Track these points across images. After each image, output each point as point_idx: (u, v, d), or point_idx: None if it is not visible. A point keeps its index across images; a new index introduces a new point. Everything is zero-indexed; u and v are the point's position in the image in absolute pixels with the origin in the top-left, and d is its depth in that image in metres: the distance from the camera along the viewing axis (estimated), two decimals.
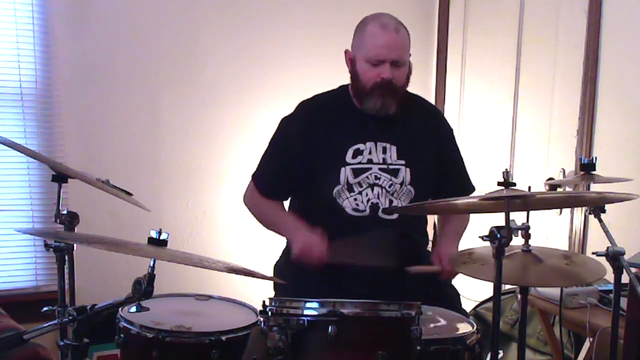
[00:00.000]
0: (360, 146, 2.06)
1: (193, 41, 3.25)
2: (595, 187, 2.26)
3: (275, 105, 3.20)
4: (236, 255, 3.29)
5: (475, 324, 1.70)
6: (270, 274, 2.18)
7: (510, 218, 1.53)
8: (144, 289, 1.26)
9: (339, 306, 1.41)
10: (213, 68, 3.29)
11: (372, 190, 2.05)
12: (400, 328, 1.44)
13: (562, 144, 2.94)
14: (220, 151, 3.33)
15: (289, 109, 2.19)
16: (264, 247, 2.39)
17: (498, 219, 1.53)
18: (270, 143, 2.20)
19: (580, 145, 2.83)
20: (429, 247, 2.30)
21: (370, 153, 2.06)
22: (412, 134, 2.12)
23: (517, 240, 1.66)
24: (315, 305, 1.42)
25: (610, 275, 1.78)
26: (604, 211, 1.84)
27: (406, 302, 1.45)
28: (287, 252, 2.22)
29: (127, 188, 1.89)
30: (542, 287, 2.36)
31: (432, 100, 3.69)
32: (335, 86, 2.21)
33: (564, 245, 2.87)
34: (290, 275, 1.95)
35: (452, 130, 2.29)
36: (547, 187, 2.59)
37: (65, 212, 1.75)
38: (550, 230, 2.96)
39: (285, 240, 2.23)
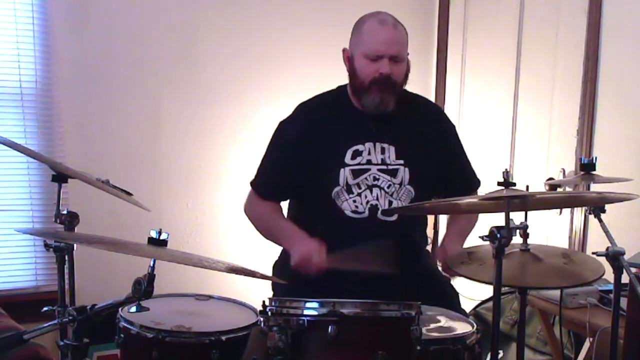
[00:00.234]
0: (360, 147, 2.06)
1: (193, 41, 3.25)
2: (595, 187, 2.26)
3: (275, 105, 3.21)
4: (236, 255, 3.29)
5: (475, 324, 1.70)
6: (270, 274, 2.18)
7: (510, 218, 1.53)
8: (144, 289, 1.26)
9: (339, 306, 1.41)
10: (213, 68, 3.29)
11: (371, 191, 2.05)
12: (400, 328, 1.44)
13: (562, 144, 2.94)
14: (220, 151, 3.33)
15: (289, 108, 2.19)
16: (264, 247, 2.38)
17: (498, 219, 1.53)
18: (268, 147, 2.18)
19: (580, 145, 2.83)
20: (429, 247, 2.30)
21: (369, 154, 2.06)
22: (412, 133, 2.11)
23: (516, 239, 1.66)
24: (315, 305, 1.42)
25: (610, 275, 1.78)
26: (604, 211, 1.84)
27: (406, 302, 1.45)
28: (285, 252, 2.22)
29: (127, 188, 1.89)
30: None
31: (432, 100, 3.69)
32: (334, 86, 2.21)
33: (564, 245, 2.87)
34: (290, 275, 1.95)
35: (454, 127, 2.28)
36: (547, 187, 2.59)
37: (65, 212, 1.75)
38: (550, 230, 2.96)
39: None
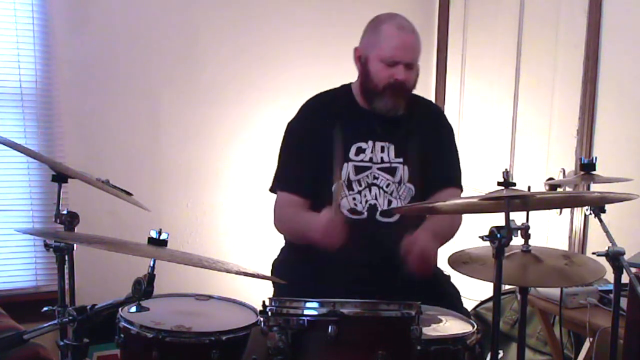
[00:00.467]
0: (362, 145, 2.07)
1: (193, 41, 3.25)
2: (595, 187, 2.26)
3: (275, 105, 3.21)
4: (236, 255, 3.29)
5: (475, 324, 1.70)
6: (269, 273, 2.18)
7: (510, 218, 1.53)
8: (144, 289, 1.26)
9: (339, 306, 1.40)
10: (213, 68, 3.29)
11: (370, 190, 2.05)
12: (400, 328, 1.44)
13: (562, 144, 2.95)
14: (220, 151, 3.33)
15: (288, 108, 2.19)
16: (264, 247, 2.39)
17: (498, 219, 1.53)
18: (282, 149, 2.16)
19: (580, 145, 2.83)
20: None
21: (371, 152, 2.07)
22: (412, 132, 2.12)
23: (517, 241, 1.66)
24: (315, 305, 1.42)
25: (610, 275, 1.78)
26: (604, 211, 1.84)
27: (406, 302, 1.45)
28: (285, 250, 2.23)
29: (127, 188, 1.89)
30: (542, 288, 2.37)
31: (432, 100, 3.69)
32: (334, 86, 2.21)
33: (564, 245, 2.87)
34: (289, 274, 1.95)
35: (452, 129, 2.29)
36: (547, 187, 2.59)
37: (65, 212, 1.75)
38: (550, 230, 2.96)
39: (284, 240, 2.22)
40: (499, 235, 1.48)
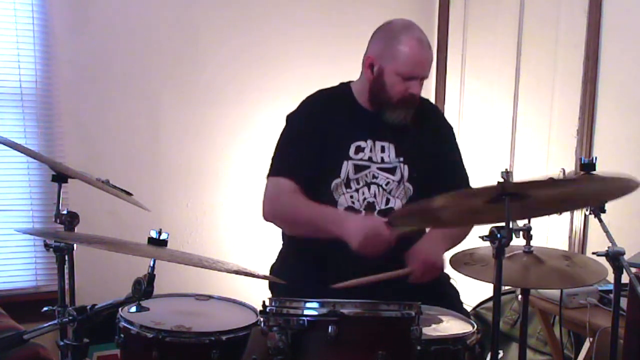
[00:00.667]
0: (362, 143, 2.06)
1: (193, 41, 3.25)
2: None
3: (275, 105, 3.21)
4: (236, 255, 3.29)
5: (475, 324, 1.70)
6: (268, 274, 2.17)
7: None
8: (144, 289, 1.27)
9: (339, 306, 1.40)
10: (213, 68, 3.29)
11: (369, 189, 2.05)
12: (400, 328, 1.44)
13: (562, 144, 2.95)
14: (220, 151, 3.33)
15: (288, 109, 2.19)
16: (264, 247, 2.39)
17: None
18: (280, 140, 2.14)
19: (580, 145, 2.83)
20: None
21: (370, 151, 2.06)
22: (412, 132, 2.12)
23: (519, 241, 1.66)
24: (315, 305, 1.42)
25: (610, 275, 1.78)
26: (604, 211, 1.84)
27: (406, 302, 1.45)
28: (283, 254, 2.21)
29: (127, 188, 1.89)
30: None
31: (432, 100, 3.69)
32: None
33: (564, 245, 2.87)
34: (288, 276, 1.94)
35: (451, 128, 2.28)
36: None
37: (65, 212, 1.76)
38: (550, 231, 2.96)
39: (282, 241, 2.21)
40: (499, 235, 1.48)
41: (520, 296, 1.85)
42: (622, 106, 2.69)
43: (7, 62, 2.90)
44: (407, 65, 1.99)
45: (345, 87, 2.17)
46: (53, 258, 1.80)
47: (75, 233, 1.75)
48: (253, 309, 1.82)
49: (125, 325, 1.66)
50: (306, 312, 1.41)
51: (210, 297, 1.94)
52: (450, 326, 1.70)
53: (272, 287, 2.11)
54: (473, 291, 2.54)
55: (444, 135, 2.23)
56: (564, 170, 2.90)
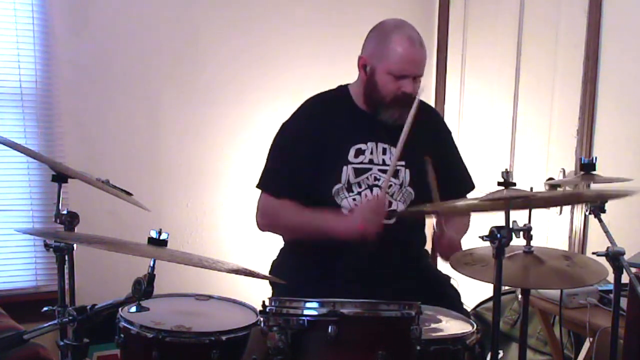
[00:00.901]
0: (362, 146, 2.06)
1: (193, 41, 3.25)
2: (595, 187, 2.26)
3: (275, 105, 3.21)
4: (236, 255, 3.29)
5: (475, 324, 1.70)
6: (269, 274, 2.17)
7: (514, 220, 1.53)
8: (144, 289, 1.26)
9: (339, 306, 1.40)
10: (213, 68, 3.29)
11: (372, 191, 2.05)
12: (400, 328, 1.44)
13: (562, 144, 2.94)
14: (220, 151, 3.33)
15: (288, 109, 2.19)
16: (264, 247, 2.38)
17: (498, 218, 1.53)
18: (273, 147, 2.14)
19: (580, 145, 2.83)
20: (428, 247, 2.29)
21: (371, 153, 2.06)
22: (413, 135, 2.11)
23: (519, 241, 1.66)
24: (315, 305, 1.42)
25: (610, 275, 1.78)
26: (604, 211, 1.84)
27: (406, 302, 1.45)
28: (285, 251, 2.22)
29: (127, 188, 1.88)
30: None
31: (432, 100, 3.69)
32: (335, 86, 2.21)
33: (564, 245, 2.87)
34: (289, 274, 1.95)
35: (450, 132, 2.29)
36: (547, 187, 2.59)
37: (65, 212, 1.75)
38: (550, 230, 2.96)
39: (283, 241, 2.21)
40: (499, 235, 1.48)
41: (520, 296, 1.85)
42: (622, 106, 2.69)
43: (7, 62, 2.90)
44: (398, 63, 1.98)
45: (343, 89, 2.16)
46: (53, 258, 1.79)
47: (75, 233, 1.75)
48: (253, 309, 1.82)
49: (125, 325, 1.66)
50: (306, 312, 1.41)
51: (210, 297, 1.94)
52: (450, 326, 1.70)
53: (273, 283, 2.11)
54: (473, 291, 2.54)
55: (444, 140, 2.23)
56: (564, 170, 2.91)
